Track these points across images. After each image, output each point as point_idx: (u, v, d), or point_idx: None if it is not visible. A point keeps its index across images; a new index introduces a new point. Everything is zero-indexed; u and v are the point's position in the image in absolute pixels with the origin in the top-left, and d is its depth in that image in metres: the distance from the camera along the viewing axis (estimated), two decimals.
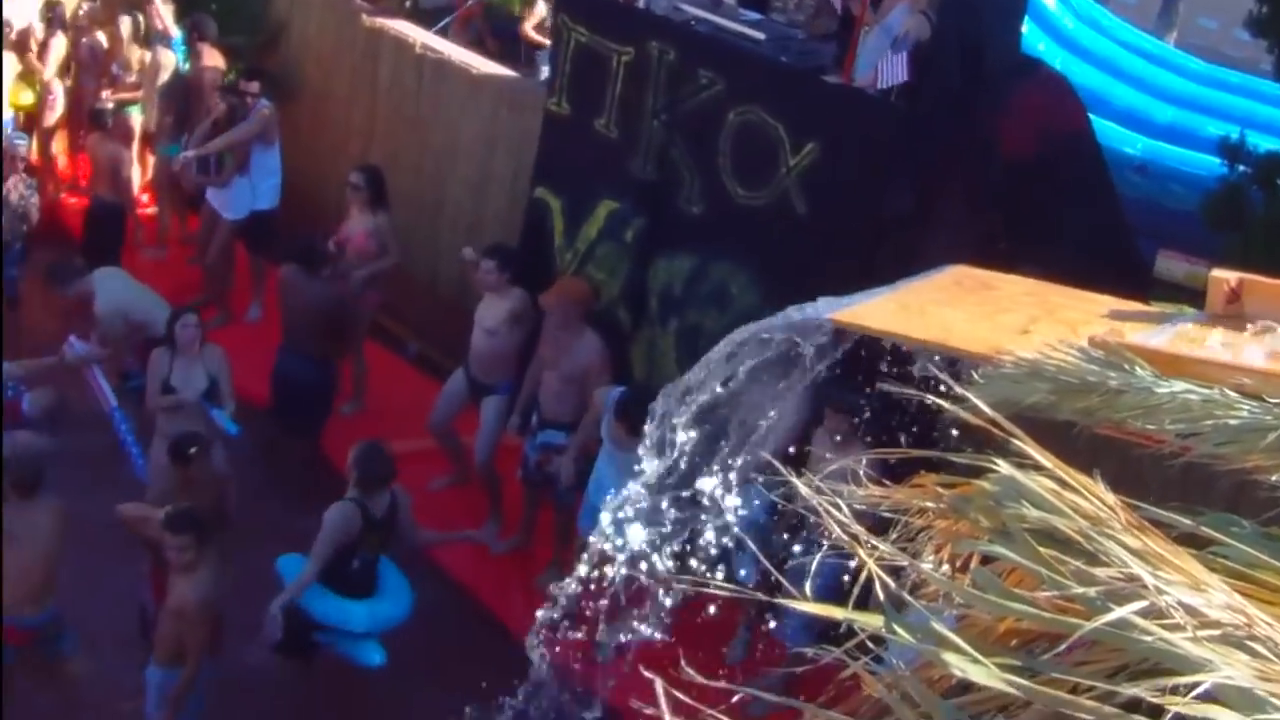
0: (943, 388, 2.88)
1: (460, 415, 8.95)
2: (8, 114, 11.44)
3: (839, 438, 6.75)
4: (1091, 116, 8.50)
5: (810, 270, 7.24)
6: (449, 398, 8.96)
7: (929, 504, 2.30)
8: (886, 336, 4.06)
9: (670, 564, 5.86)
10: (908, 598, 2.02)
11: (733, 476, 5.40)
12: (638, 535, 5.76)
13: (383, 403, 9.79)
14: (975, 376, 3.27)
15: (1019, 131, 7.53)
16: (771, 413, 5.28)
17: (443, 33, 11.67)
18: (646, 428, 5.47)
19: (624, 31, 8.51)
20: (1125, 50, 11.29)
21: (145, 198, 11.98)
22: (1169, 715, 1.75)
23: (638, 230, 8.53)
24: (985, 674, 1.87)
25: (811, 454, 6.58)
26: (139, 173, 11.76)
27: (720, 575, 5.45)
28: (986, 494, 2.18)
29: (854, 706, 2.05)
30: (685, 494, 5.68)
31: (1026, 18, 8.91)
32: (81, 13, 12.58)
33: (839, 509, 2.16)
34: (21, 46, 12.02)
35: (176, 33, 11.75)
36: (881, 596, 2.01)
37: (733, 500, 5.43)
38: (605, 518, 5.86)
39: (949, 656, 1.88)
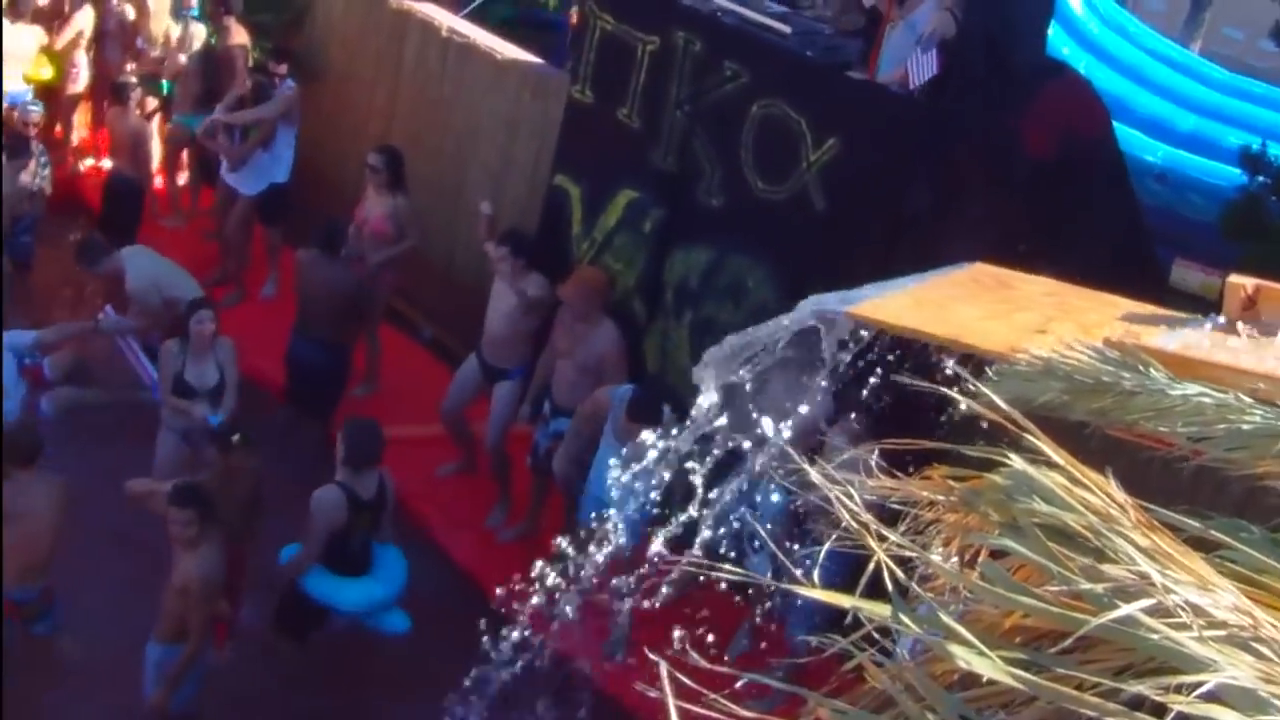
0: (952, 383, 2.88)
1: (472, 403, 8.96)
2: (24, 84, 11.44)
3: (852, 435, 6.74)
4: (1114, 123, 8.48)
5: (828, 266, 7.21)
6: (462, 383, 8.96)
7: (940, 497, 2.30)
8: (902, 332, 4.06)
9: (674, 550, 5.87)
10: (916, 588, 2.02)
11: (750, 467, 5.41)
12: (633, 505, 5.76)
13: (395, 386, 9.79)
14: (989, 373, 3.27)
15: (1042, 133, 7.50)
16: (788, 404, 5.26)
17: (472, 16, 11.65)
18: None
19: (650, 20, 8.50)
20: (1150, 57, 11.25)
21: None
22: (1172, 714, 1.76)
23: (656, 221, 8.52)
24: (991, 667, 1.87)
25: (825, 445, 6.56)
26: (159, 147, 11.78)
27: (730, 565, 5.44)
28: (998, 488, 2.18)
29: (857, 698, 2.05)
30: (699, 473, 5.69)
31: (1053, 21, 8.88)
32: None
33: (850, 499, 2.16)
34: (50, 18, 12.02)
35: (194, 1, 11.76)
36: (890, 587, 2.01)
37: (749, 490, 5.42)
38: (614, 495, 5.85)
39: (955, 649, 1.88)
